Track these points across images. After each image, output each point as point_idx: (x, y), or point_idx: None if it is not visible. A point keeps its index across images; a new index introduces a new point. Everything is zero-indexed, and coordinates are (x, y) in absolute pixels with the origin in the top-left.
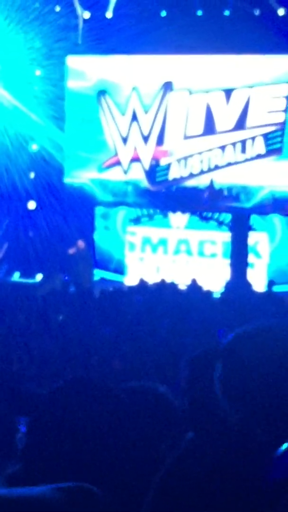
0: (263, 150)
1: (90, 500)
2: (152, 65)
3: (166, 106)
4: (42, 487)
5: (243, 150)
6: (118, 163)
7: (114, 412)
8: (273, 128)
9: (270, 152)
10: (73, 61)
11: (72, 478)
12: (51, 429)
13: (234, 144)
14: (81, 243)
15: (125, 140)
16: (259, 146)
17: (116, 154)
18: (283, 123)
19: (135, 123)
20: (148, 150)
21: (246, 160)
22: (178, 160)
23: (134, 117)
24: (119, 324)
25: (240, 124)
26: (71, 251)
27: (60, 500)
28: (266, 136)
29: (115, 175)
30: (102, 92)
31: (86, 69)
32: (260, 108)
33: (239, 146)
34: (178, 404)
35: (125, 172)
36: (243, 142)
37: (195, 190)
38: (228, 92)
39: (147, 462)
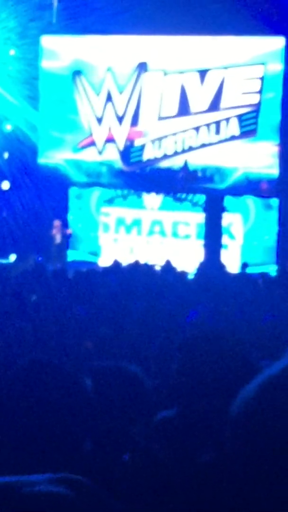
0: (237, 132)
1: (87, 493)
2: (127, 46)
3: (140, 87)
4: (32, 476)
5: (217, 131)
6: (93, 143)
7: (78, 391)
8: (247, 110)
9: (244, 134)
10: (48, 41)
11: (41, 464)
12: (18, 409)
13: (208, 125)
14: (57, 223)
15: (99, 120)
16: (233, 128)
17: (91, 135)
18: (258, 105)
19: (109, 103)
20: (122, 130)
21: (220, 141)
22: (153, 141)
23: (109, 98)
24: (92, 305)
25: (215, 105)
26: (54, 231)
27: (66, 493)
28: (240, 118)
29: (89, 155)
30: (77, 72)
31: (61, 49)
32: (235, 89)
33: (213, 127)
34: (149, 384)
35: (100, 152)
36: (217, 123)
37: (169, 171)
38: (203, 73)
39: (119, 443)
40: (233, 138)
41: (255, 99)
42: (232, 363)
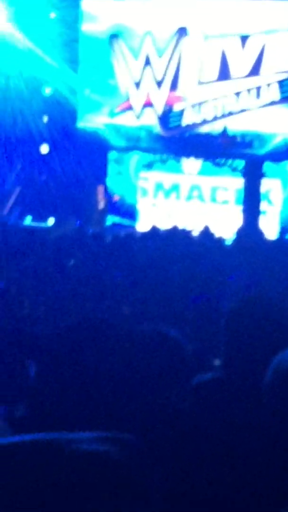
0: (277, 97)
1: (135, 453)
2: (167, 9)
3: (180, 51)
4: (80, 434)
5: (258, 96)
6: (130, 108)
7: (124, 352)
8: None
9: (284, 99)
10: (88, 4)
11: (83, 420)
12: (61, 370)
13: (249, 90)
14: (100, 188)
15: (137, 84)
16: (274, 93)
17: (128, 99)
18: None
19: (148, 67)
20: (161, 95)
21: (260, 106)
22: (192, 106)
23: (148, 62)
24: (130, 269)
25: (255, 70)
26: (97, 196)
27: (110, 452)
28: (281, 83)
29: (127, 120)
30: (114, 36)
31: (100, 13)
32: (276, 54)
33: (253, 92)
34: (189, 348)
35: (138, 117)
36: (258, 89)
37: (208, 136)
38: (244, 38)
39: (159, 406)
40: (273, 103)
41: None
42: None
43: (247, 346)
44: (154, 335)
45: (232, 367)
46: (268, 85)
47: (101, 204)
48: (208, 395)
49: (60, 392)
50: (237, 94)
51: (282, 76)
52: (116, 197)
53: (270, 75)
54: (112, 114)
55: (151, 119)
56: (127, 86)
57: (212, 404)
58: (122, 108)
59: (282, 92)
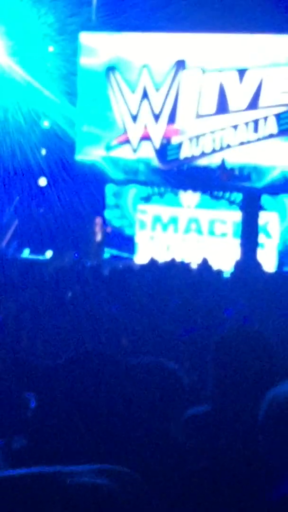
0: (275, 130)
1: (134, 486)
2: (166, 43)
3: (178, 84)
4: (78, 467)
5: (256, 129)
6: (127, 141)
7: (123, 384)
8: (285, 109)
9: (282, 132)
10: (86, 38)
11: (81, 452)
12: (60, 402)
13: (246, 123)
14: (98, 220)
15: (135, 118)
16: (271, 126)
17: (125, 132)
18: None
19: (145, 100)
20: (159, 128)
21: (258, 139)
22: (190, 139)
23: (145, 95)
24: (128, 302)
25: (253, 104)
26: (95, 228)
27: (109, 485)
28: (278, 116)
29: (124, 153)
30: (111, 68)
31: (99, 46)
32: (273, 88)
33: (251, 125)
34: (187, 381)
35: (135, 150)
36: (256, 122)
37: (206, 169)
38: (242, 72)
39: (156, 436)
40: (271, 136)
41: None
42: (264, 364)
43: (233, 379)
44: (153, 367)
45: (220, 399)
46: (266, 118)
47: (99, 237)
48: (199, 427)
49: (59, 424)
50: (235, 127)
51: (280, 110)
52: (108, 229)
53: (267, 108)
54: (108, 148)
55: (148, 152)
56: (124, 119)
57: (203, 436)
58: (118, 142)
59: (279, 125)
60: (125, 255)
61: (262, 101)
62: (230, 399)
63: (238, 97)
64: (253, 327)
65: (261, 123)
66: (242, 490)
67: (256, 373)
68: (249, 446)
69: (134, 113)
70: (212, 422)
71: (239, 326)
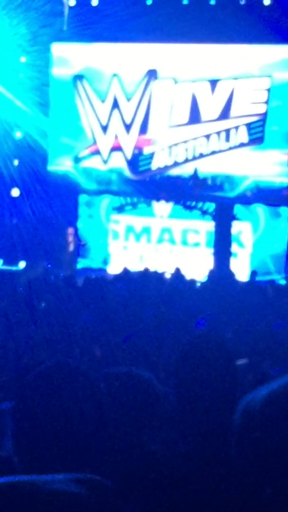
0: (246, 139)
1: (106, 494)
2: (137, 53)
3: (150, 94)
4: (53, 476)
5: (227, 138)
6: (97, 152)
7: (97, 394)
8: (255, 118)
9: (252, 141)
10: (58, 49)
11: (58, 465)
12: (34, 415)
13: (218, 133)
14: (70, 231)
15: (105, 128)
16: (242, 135)
17: (94, 143)
18: (265, 114)
19: (116, 110)
20: (130, 138)
21: (230, 148)
22: (163, 149)
23: (115, 105)
24: (102, 312)
25: (225, 114)
26: (67, 239)
27: (81, 492)
28: (249, 126)
29: (95, 164)
30: (78, 77)
31: (71, 56)
32: (244, 99)
33: (223, 134)
34: (162, 390)
35: (105, 161)
36: (227, 131)
37: (179, 179)
38: (213, 83)
39: (132, 447)
40: (242, 145)
41: (262, 108)
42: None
43: (195, 387)
44: (127, 377)
45: (183, 407)
46: (237, 128)
47: (72, 247)
48: (173, 436)
49: (33, 435)
50: (207, 136)
51: (250, 120)
52: (83, 243)
53: (238, 118)
54: (76, 160)
55: (120, 163)
56: (93, 129)
57: (176, 445)
58: (88, 153)
59: (250, 134)
60: (98, 265)
61: (233, 111)
62: (193, 406)
63: (210, 107)
64: (217, 334)
65: (232, 132)
66: (216, 500)
67: (218, 381)
68: (221, 453)
69: (104, 123)
70: (181, 431)
71: (201, 334)
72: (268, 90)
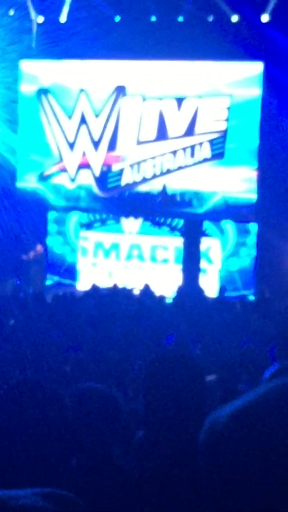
0: (209, 155)
1: (73, 509)
2: (106, 70)
3: (118, 111)
4: (19, 491)
5: (192, 154)
6: (63, 170)
7: (62, 412)
8: (217, 135)
9: (214, 156)
10: (26, 65)
11: (24, 480)
12: (2, 429)
13: (184, 149)
14: (38, 248)
15: (72, 145)
16: (206, 151)
17: (61, 160)
18: (225, 131)
19: (84, 126)
20: (98, 155)
21: (195, 163)
22: (131, 165)
23: (83, 121)
24: (71, 329)
25: (190, 131)
26: (31, 255)
27: (48, 507)
28: (211, 142)
29: (62, 181)
30: (42, 91)
31: (39, 73)
32: (207, 116)
33: (188, 150)
34: (127, 407)
35: (72, 180)
36: (192, 147)
37: (148, 195)
38: (180, 101)
39: (98, 461)
40: (205, 160)
41: (223, 126)
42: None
43: (163, 404)
44: (90, 393)
45: (152, 424)
46: (201, 144)
47: (41, 264)
48: (139, 452)
49: (1, 451)
50: (174, 152)
51: (213, 136)
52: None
53: (202, 135)
54: (42, 178)
55: (88, 179)
56: (60, 146)
57: (144, 460)
58: (56, 170)
59: (212, 150)
60: (67, 282)
61: (197, 128)
62: (161, 423)
63: (176, 124)
64: (185, 350)
65: (197, 148)
66: None
67: (186, 397)
68: (188, 470)
69: (71, 140)
70: (148, 447)
71: (170, 350)
72: (228, 108)
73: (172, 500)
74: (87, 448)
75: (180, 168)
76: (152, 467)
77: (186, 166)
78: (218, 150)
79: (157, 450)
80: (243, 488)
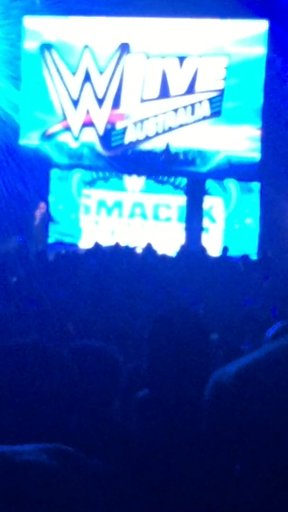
0: (208, 112)
1: (77, 464)
2: (109, 27)
3: (122, 69)
4: (24, 446)
5: (193, 112)
6: (67, 128)
7: (64, 368)
8: (215, 94)
9: (213, 114)
10: (30, 22)
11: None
12: (4, 388)
13: (185, 107)
14: (42, 205)
15: (76, 103)
16: (205, 109)
17: (64, 119)
18: (223, 90)
19: (88, 84)
20: (103, 113)
21: (195, 121)
22: (135, 123)
23: (87, 78)
24: (73, 287)
25: (190, 89)
26: (36, 213)
27: (52, 463)
28: (211, 100)
29: (66, 139)
30: (46, 46)
31: (43, 30)
32: (206, 75)
33: (189, 108)
34: (129, 365)
35: (76, 138)
36: (193, 105)
37: (151, 153)
38: (181, 59)
39: (98, 419)
40: (204, 118)
41: (221, 85)
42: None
43: (168, 360)
44: (86, 350)
45: (156, 382)
46: (201, 102)
47: (44, 221)
48: (141, 411)
49: (3, 407)
50: (175, 110)
51: (212, 95)
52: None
53: (202, 93)
54: (43, 138)
55: (92, 137)
56: (63, 104)
57: (146, 419)
58: (58, 129)
59: (212, 108)
60: (69, 239)
61: (197, 87)
62: (165, 380)
63: (178, 83)
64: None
65: (197, 106)
66: (184, 474)
67: (190, 354)
68: (192, 427)
69: (75, 97)
70: (151, 406)
71: (174, 308)
72: (226, 68)
73: (174, 458)
74: (86, 407)
75: (181, 126)
76: (155, 424)
77: (187, 124)
78: (216, 108)
79: (161, 407)
80: (251, 443)
